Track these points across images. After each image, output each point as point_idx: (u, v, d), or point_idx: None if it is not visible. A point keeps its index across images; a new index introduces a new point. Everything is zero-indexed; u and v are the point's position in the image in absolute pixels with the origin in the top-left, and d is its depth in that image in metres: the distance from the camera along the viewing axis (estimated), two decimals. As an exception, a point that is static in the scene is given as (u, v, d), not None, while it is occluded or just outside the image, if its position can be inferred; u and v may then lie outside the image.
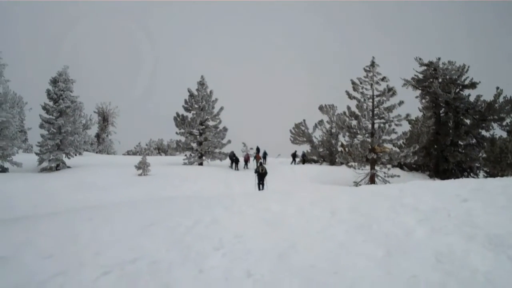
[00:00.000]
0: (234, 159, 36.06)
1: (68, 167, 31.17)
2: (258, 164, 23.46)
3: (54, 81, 31.84)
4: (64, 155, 31.53)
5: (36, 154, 30.87)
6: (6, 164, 29.25)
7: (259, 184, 21.91)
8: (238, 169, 35.39)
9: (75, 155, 33.02)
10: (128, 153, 64.85)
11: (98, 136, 62.92)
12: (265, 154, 38.93)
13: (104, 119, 63.03)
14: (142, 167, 28.05)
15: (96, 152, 57.19)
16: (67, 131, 31.08)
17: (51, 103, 31.53)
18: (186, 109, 39.14)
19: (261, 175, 21.90)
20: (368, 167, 28.98)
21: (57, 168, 30.42)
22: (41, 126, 30.95)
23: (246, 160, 37.09)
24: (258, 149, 38.69)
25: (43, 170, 29.87)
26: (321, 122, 42.43)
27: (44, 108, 31.30)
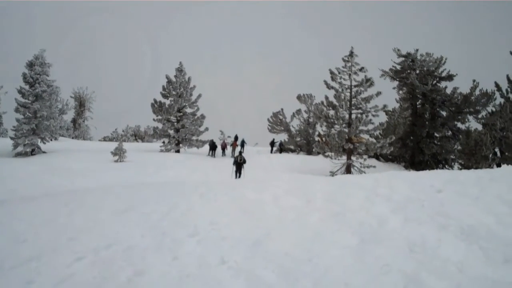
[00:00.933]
0: (212, 147, 36.02)
1: (44, 152, 30.68)
2: (238, 154, 23.48)
3: (31, 65, 31.16)
4: (39, 140, 30.89)
5: (11, 138, 30.18)
6: (-20, 149, 28.80)
7: (236, 172, 21.96)
8: (214, 156, 35.38)
9: (51, 140, 32.55)
10: (105, 139, 64.15)
11: (74, 121, 61.91)
12: (243, 143, 38.84)
13: (81, 104, 62.06)
14: (119, 153, 27.77)
15: (72, 138, 56.26)
16: (42, 115, 30.49)
17: (27, 87, 30.85)
18: (164, 96, 38.78)
19: (239, 164, 21.96)
20: (344, 157, 29.08)
21: (32, 153, 29.84)
22: (17, 110, 30.25)
23: (223, 148, 37.17)
24: (236, 137, 38.64)
25: (18, 155, 29.27)
26: (299, 111, 42.40)
27: (19, 92, 30.59)
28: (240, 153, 23.77)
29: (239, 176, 21.73)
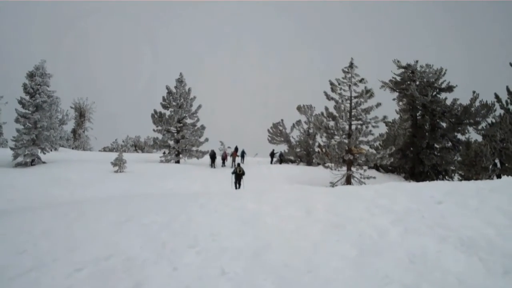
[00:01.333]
0: (212, 157, 36.06)
1: (44, 162, 30.64)
2: (236, 165, 23.57)
3: (31, 75, 31.23)
4: (39, 150, 30.94)
5: (11, 148, 30.10)
6: (-21, 159, 28.81)
7: (235, 183, 22.00)
8: (214, 167, 35.36)
9: (51, 150, 32.53)
10: (105, 149, 64.14)
11: (74, 131, 61.90)
12: (243, 153, 38.89)
13: (81, 114, 62.10)
14: (118, 164, 27.77)
15: (72, 148, 56.34)
16: (43, 126, 30.50)
17: (27, 98, 30.88)
18: (164, 107, 38.82)
19: (239, 175, 22.03)
20: (344, 168, 29.08)
21: (32, 163, 29.88)
22: (17, 121, 30.25)
23: (224, 158, 37.23)
24: (236, 148, 38.72)
25: (18, 165, 29.29)
26: (299, 122, 42.47)
27: (20, 102, 30.62)
28: (239, 164, 23.85)
29: (239, 187, 21.77)
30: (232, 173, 22.54)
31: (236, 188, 21.58)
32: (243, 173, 22.14)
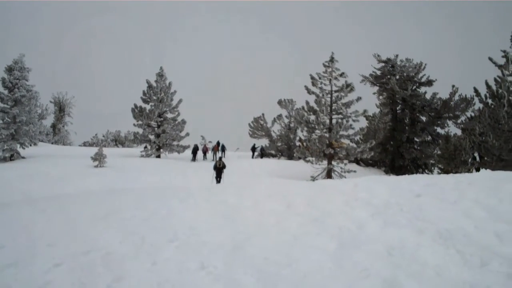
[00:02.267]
0: (194, 151, 36.10)
1: (23, 157, 30.28)
2: (217, 159, 23.60)
3: (10, 69, 30.77)
4: (18, 145, 30.49)
5: (-11, 143, 29.83)
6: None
7: (217, 178, 22.01)
8: (196, 160, 35.37)
9: (30, 145, 32.11)
10: (85, 144, 63.73)
11: (54, 126, 61.23)
12: (223, 148, 38.90)
13: (61, 109, 61.42)
14: (98, 159, 27.49)
15: (52, 143, 55.71)
16: (22, 120, 30.08)
17: (5, 92, 30.44)
18: (145, 101, 38.49)
19: (220, 169, 22.05)
20: (325, 162, 29.13)
21: (11, 158, 29.46)
22: (-5, 115, 29.94)
23: (205, 152, 37.29)
24: (218, 143, 38.76)
25: (-4, 160, 28.95)
26: (280, 116, 42.46)
27: (-2, 96, 30.29)
28: (220, 158, 23.87)
29: (219, 181, 21.78)
30: (214, 167, 22.53)
31: (217, 182, 21.58)
32: (224, 167, 22.18)
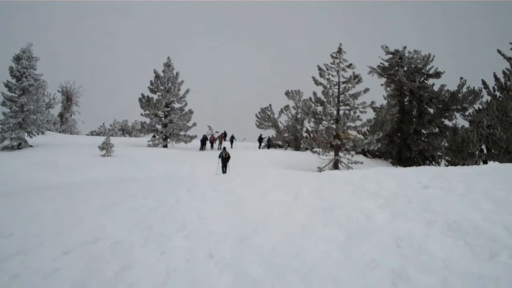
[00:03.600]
0: (203, 141, 36.44)
1: (30, 146, 30.40)
2: (222, 149, 23.74)
3: (18, 59, 30.84)
4: (26, 134, 30.61)
5: (-3, 132, 29.96)
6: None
7: (223, 167, 22.09)
8: (204, 149, 35.71)
9: (38, 134, 32.25)
10: (92, 133, 63.82)
11: (61, 115, 61.29)
12: (232, 138, 39.08)
13: (68, 98, 61.45)
14: (106, 148, 27.58)
15: (59, 132, 55.84)
16: (29, 109, 30.21)
17: (13, 81, 30.56)
18: (152, 91, 38.54)
19: (225, 159, 22.16)
20: (332, 153, 29.10)
21: (18, 147, 29.53)
22: (3, 104, 29.89)
23: (212, 142, 37.57)
24: (225, 132, 38.97)
25: (5, 148, 29.01)
26: (287, 107, 42.41)
27: (6, 85, 30.26)
28: (225, 148, 23.93)
29: (225, 171, 21.87)
30: (219, 156, 22.64)
31: (223, 172, 21.65)
32: (229, 157, 22.28)
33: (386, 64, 38.90)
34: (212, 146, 37.75)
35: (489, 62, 39.08)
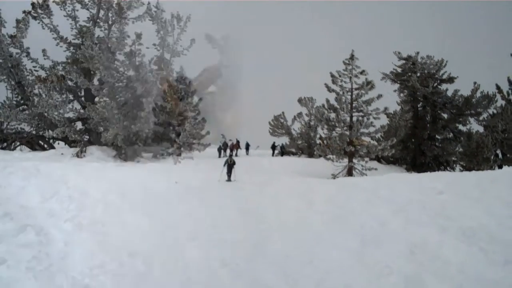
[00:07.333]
0: (222, 149, 36.64)
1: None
2: (228, 156, 23.83)
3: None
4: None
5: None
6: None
7: (227, 173, 22.11)
8: (223, 157, 36.00)
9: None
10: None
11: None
12: (247, 146, 39.21)
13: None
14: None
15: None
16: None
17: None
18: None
19: (230, 166, 22.20)
20: (346, 160, 28.91)
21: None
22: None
23: (232, 149, 37.76)
24: (237, 141, 39.08)
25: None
26: (300, 114, 42.27)
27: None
28: (231, 155, 23.99)
29: (229, 178, 21.88)
30: (224, 164, 22.68)
31: (228, 178, 21.66)
32: (234, 163, 22.34)
33: (399, 70, 38.73)
34: (232, 153, 37.91)
35: (502, 66, 38.76)
